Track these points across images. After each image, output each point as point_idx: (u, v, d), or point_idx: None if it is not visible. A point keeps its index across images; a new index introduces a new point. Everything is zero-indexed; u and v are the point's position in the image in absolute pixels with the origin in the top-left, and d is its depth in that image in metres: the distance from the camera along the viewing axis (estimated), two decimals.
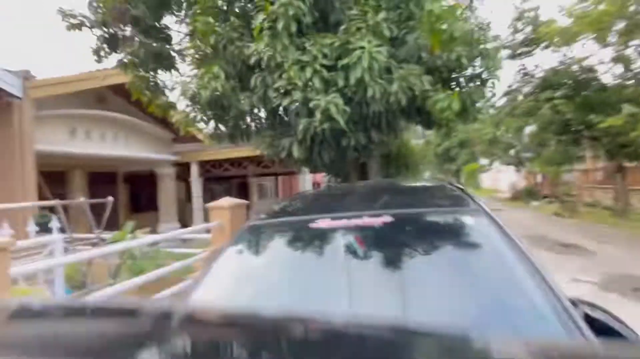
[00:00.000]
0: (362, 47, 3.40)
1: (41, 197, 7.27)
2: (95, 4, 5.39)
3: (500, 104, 12.98)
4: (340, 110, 3.35)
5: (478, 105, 4.64)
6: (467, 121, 4.96)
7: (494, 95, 5.67)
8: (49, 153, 7.25)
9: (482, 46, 4.52)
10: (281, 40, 3.36)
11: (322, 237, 1.57)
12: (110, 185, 11.83)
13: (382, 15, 3.69)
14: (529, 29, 10.89)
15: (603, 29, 9.04)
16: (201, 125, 4.47)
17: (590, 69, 10.94)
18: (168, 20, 5.78)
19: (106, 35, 5.78)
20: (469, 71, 4.75)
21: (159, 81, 5.88)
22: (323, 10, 3.85)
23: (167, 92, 6.04)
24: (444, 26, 3.39)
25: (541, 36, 10.46)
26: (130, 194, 12.46)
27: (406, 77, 3.52)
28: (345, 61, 3.45)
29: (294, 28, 3.39)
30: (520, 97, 12.48)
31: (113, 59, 5.95)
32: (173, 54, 5.58)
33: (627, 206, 11.48)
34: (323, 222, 1.57)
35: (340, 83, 3.47)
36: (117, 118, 9.01)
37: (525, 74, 11.81)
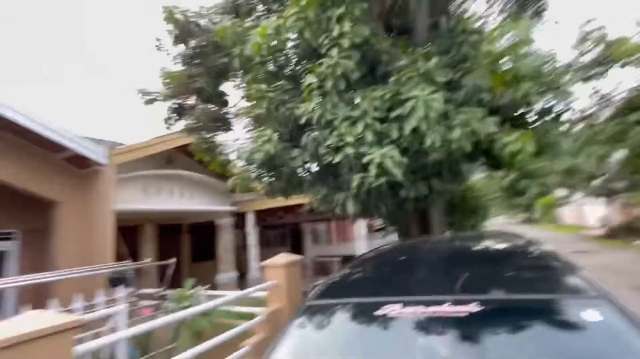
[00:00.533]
0: (416, 96, 3.22)
1: (117, 251, 7.96)
2: (166, 81, 6.16)
3: (575, 131, 11.58)
4: (396, 163, 3.12)
5: (555, 141, 4.08)
6: (543, 160, 4.36)
7: (570, 127, 5.01)
8: (125, 211, 8.04)
9: (550, 78, 4.07)
10: (330, 98, 3.35)
11: (391, 328, 1.28)
12: (176, 236, 12.70)
13: (433, 61, 3.53)
14: (599, 48, 9.87)
15: None
16: (256, 182, 4.56)
17: None
18: (225, 86, 6.35)
19: (175, 106, 6.51)
20: (539, 105, 4.26)
21: (217, 142, 6.33)
22: (371, 64, 3.82)
23: (225, 151, 6.47)
24: (508, 65, 3.09)
25: (618, 54, 9.37)
26: (192, 244, 13.18)
27: (468, 121, 3.21)
28: (398, 112, 3.29)
29: (342, 86, 3.36)
30: (599, 122, 11.03)
31: (180, 124, 6.65)
32: (230, 117, 6.01)
33: None
34: (392, 309, 1.28)
35: (395, 134, 3.28)
36: (183, 175, 9.84)
37: (602, 97, 10.51)
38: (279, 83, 4.15)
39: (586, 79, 10.60)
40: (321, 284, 1.82)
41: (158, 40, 6.04)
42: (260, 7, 5.59)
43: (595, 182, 15.77)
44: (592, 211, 20.61)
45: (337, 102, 3.39)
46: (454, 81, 3.69)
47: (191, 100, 6.41)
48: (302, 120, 3.58)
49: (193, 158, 8.40)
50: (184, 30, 5.69)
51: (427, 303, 1.21)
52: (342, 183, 3.77)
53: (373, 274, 1.90)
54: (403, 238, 5.86)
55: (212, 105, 6.33)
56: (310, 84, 3.50)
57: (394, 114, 3.33)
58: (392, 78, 3.54)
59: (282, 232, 16.56)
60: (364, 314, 1.32)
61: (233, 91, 6.25)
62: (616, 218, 17.60)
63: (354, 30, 3.43)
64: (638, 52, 9.12)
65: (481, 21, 4.26)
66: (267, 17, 4.95)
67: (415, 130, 3.20)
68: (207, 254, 12.65)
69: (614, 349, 0.94)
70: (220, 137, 6.61)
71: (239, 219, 12.11)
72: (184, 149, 9.56)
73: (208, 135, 6.44)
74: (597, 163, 13.79)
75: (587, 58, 10.50)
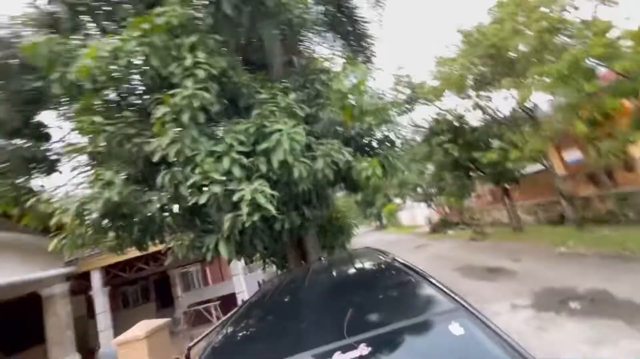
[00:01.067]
0: (280, 129, 3.29)
1: None
2: None
3: (401, 152, 14.65)
4: (268, 197, 3.05)
5: (395, 163, 4.94)
6: (389, 179, 5.20)
7: (401, 149, 6.28)
8: None
9: (385, 113, 4.96)
10: (189, 132, 3.03)
11: None
12: None
13: (292, 96, 3.74)
14: (408, 90, 12.96)
15: (461, 86, 11.31)
16: (96, 237, 3.59)
17: (460, 116, 13.39)
18: (45, 116, 4.97)
19: None
20: (379, 135, 5.12)
21: (33, 188, 4.79)
22: (231, 96, 3.72)
23: (47, 199, 4.94)
24: (353, 102, 3.56)
25: (418, 95, 12.52)
26: (1, 331, 9.36)
27: (329, 152, 3.50)
28: (264, 145, 3.27)
29: (202, 118, 3.11)
30: (415, 145, 14.37)
31: None
32: (52, 155, 4.68)
33: (520, 222, 13.52)
34: None
35: (263, 168, 3.24)
36: None
37: (415, 126, 13.77)
38: (121, 115, 3.50)
39: (402, 113, 13.66)
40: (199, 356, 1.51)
41: None
42: (91, 25, 4.69)
43: (418, 190, 20.26)
44: (420, 213, 26.20)
45: (198, 136, 3.10)
46: (311, 115, 3.99)
47: None
48: (156, 158, 3.09)
49: None
50: None
51: (319, 357, 1.15)
52: (212, 224, 3.42)
53: (258, 328, 1.72)
54: (282, 269, 5.80)
55: (23, 140, 4.80)
56: (162, 116, 3.08)
57: (260, 148, 3.29)
58: (254, 112, 3.52)
59: (144, 286, 13.88)
60: None
61: (59, 122, 4.97)
62: (435, 216, 22.92)
63: (210, 61, 3.27)
64: (431, 93, 12.47)
65: (327, 62, 4.85)
66: (101, 38, 4.19)
67: (282, 163, 3.24)
68: (31, 339, 9.21)
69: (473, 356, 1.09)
70: (39, 181, 5.04)
71: (80, 282, 9.43)
72: None
73: (17, 181, 4.80)
74: (418, 176, 17.77)
75: (401, 96, 13.61)
